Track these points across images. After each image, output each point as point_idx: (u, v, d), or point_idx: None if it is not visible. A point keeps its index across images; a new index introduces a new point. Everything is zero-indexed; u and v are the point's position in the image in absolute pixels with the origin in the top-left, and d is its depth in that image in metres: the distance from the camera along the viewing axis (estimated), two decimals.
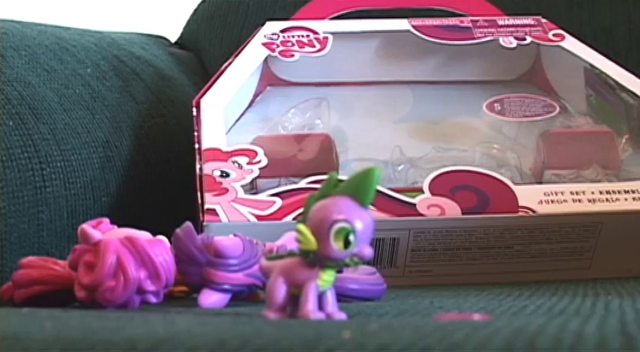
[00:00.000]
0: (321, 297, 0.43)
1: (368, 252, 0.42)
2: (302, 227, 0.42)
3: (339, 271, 0.55)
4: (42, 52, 0.78)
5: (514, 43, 0.84)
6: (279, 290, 0.43)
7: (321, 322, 0.40)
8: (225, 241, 0.54)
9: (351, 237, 0.41)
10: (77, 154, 0.73)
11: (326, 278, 0.43)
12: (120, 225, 0.54)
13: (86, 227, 0.52)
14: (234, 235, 0.56)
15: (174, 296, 0.58)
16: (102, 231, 0.53)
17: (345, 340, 0.31)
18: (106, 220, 0.54)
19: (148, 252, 0.51)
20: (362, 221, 0.42)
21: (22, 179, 0.67)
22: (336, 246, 0.42)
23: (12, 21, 0.81)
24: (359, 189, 0.42)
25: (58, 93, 0.75)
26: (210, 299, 0.54)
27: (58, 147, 0.71)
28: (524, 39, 0.84)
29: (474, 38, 0.84)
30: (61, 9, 1.33)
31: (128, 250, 0.51)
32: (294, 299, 0.43)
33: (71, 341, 0.34)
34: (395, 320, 0.43)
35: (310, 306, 0.42)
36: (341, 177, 0.43)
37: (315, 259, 0.42)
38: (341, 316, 0.43)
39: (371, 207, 0.43)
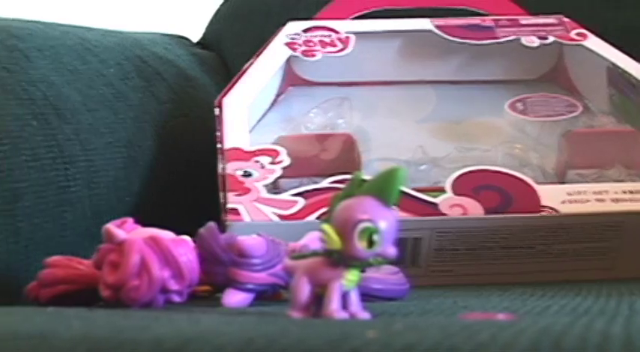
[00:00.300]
0: (345, 297, 0.43)
1: (392, 251, 0.42)
2: (327, 226, 0.42)
3: (363, 271, 0.56)
4: (65, 53, 0.78)
5: (536, 43, 0.84)
6: (304, 290, 0.43)
7: (345, 321, 0.40)
8: (249, 241, 0.54)
9: (376, 237, 0.41)
10: (101, 154, 0.73)
11: (350, 277, 0.43)
12: (144, 225, 0.55)
13: (111, 227, 0.53)
14: (258, 235, 0.56)
15: (197, 295, 0.59)
16: (126, 231, 0.53)
17: (371, 339, 0.31)
18: (130, 220, 0.54)
19: (171, 251, 0.52)
20: (386, 221, 0.42)
21: (46, 179, 0.67)
22: (360, 245, 0.42)
23: (36, 22, 0.81)
24: (383, 189, 0.42)
25: (81, 94, 0.75)
26: (234, 298, 0.54)
27: (82, 148, 0.72)
28: (547, 38, 0.84)
29: (496, 38, 0.84)
30: (84, 10, 1.33)
31: (152, 250, 0.52)
32: (319, 298, 0.43)
33: (98, 340, 0.34)
34: (420, 319, 0.43)
35: (334, 306, 0.42)
36: (365, 177, 0.43)
37: (340, 259, 0.43)
38: (365, 316, 0.43)
39: (394, 207, 0.43)
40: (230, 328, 0.35)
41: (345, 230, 0.42)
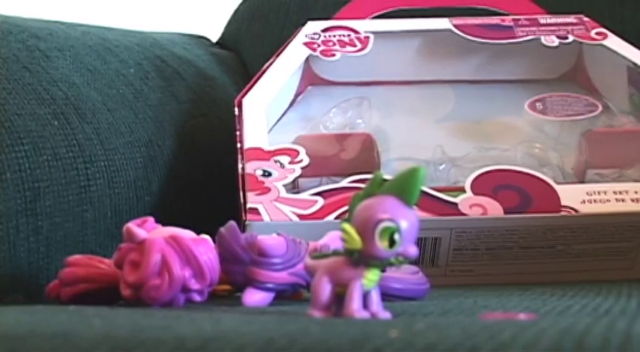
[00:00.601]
0: (365, 296, 0.43)
1: (413, 251, 0.42)
2: (347, 226, 0.42)
3: (383, 270, 0.55)
4: (86, 53, 0.79)
5: (556, 42, 0.83)
6: (325, 289, 0.43)
7: (367, 321, 0.40)
8: (269, 240, 0.55)
9: (396, 236, 0.42)
10: (121, 154, 0.74)
11: (371, 277, 0.43)
12: (164, 224, 0.55)
13: (131, 226, 0.53)
14: (278, 234, 0.56)
15: (217, 295, 0.59)
16: (147, 230, 0.53)
17: (393, 339, 0.31)
18: (151, 219, 0.55)
19: (192, 250, 0.52)
20: (407, 220, 0.42)
21: (66, 178, 0.68)
22: (381, 245, 0.42)
23: (56, 22, 0.82)
24: (404, 188, 0.42)
25: (101, 93, 0.76)
26: (254, 298, 0.54)
27: (102, 147, 0.72)
28: (567, 38, 0.84)
29: (515, 37, 0.84)
30: (103, 10, 1.34)
31: (173, 249, 0.52)
32: (339, 298, 0.43)
33: (120, 339, 0.34)
34: (440, 319, 0.43)
35: (355, 305, 0.42)
36: (386, 176, 0.43)
37: (360, 258, 0.43)
38: (386, 315, 0.43)
39: (414, 206, 0.43)
40: (251, 327, 0.35)
41: (365, 229, 0.42)
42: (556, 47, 0.83)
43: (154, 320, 0.39)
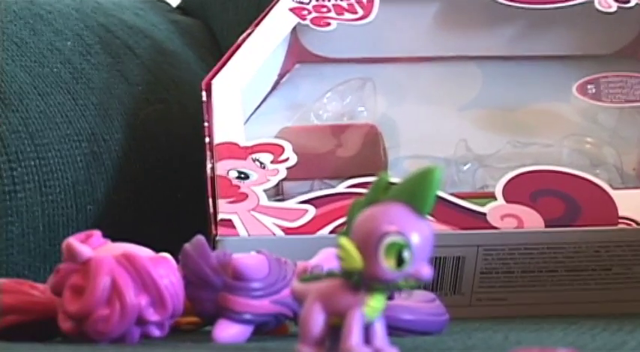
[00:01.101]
0: (367, 329, 0.44)
1: (426, 272, 0.42)
2: (344, 241, 0.43)
3: (390, 297, 0.56)
4: (9, 21, 0.79)
5: (614, 7, 0.84)
6: (316, 320, 0.44)
7: None
8: (247, 259, 0.55)
9: (406, 254, 0.42)
10: (56, 150, 0.74)
11: (374, 304, 0.44)
12: (114, 240, 0.55)
13: (73, 241, 0.53)
14: (258, 252, 0.57)
15: (181, 328, 0.59)
16: (92, 247, 0.53)
17: None
18: (98, 233, 0.55)
19: (150, 272, 0.52)
20: (419, 233, 0.42)
21: None
22: (386, 264, 0.42)
23: None
24: (415, 194, 0.43)
25: (30, 73, 0.76)
26: (228, 332, 0.54)
27: (32, 142, 0.72)
28: (628, 1, 0.84)
29: (561, 1, 0.84)
30: None
31: (126, 270, 0.52)
32: (335, 330, 0.44)
33: None
34: None
35: (355, 340, 0.43)
36: (392, 179, 0.44)
37: (361, 281, 0.43)
38: None
39: (429, 216, 0.43)
40: None
41: (367, 245, 0.42)
42: (614, 13, 0.84)
43: None
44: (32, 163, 0.71)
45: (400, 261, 0.42)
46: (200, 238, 0.56)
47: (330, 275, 0.45)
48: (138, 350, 0.47)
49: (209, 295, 0.55)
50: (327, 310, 0.44)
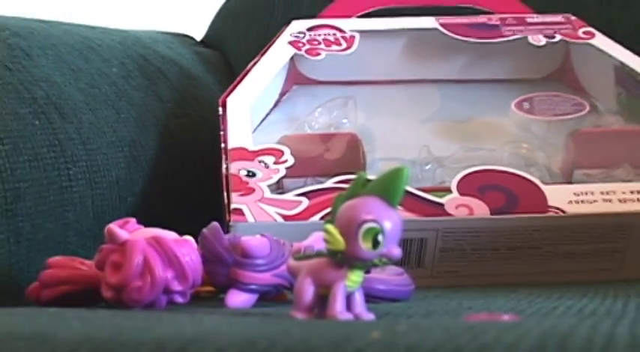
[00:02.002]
0: (349, 298, 0.44)
1: (396, 252, 0.42)
2: (330, 227, 0.42)
3: (367, 272, 0.56)
4: (67, 52, 0.79)
5: (543, 41, 0.84)
6: (307, 291, 0.43)
7: (349, 322, 0.41)
8: (252, 241, 0.55)
9: (380, 237, 0.42)
10: (103, 154, 0.73)
11: (354, 278, 0.43)
12: (146, 225, 0.55)
13: (113, 227, 0.53)
14: (262, 235, 0.56)
15: (200, 296, 0.59)
16: (129, 231, 0.53)
17: (374, 340, 0.31)
18: (133, 220, 0.54)
19: (174, 251, 0.52)
20: (391, 221, 0.42)
21: (48, 179, 0.67)
22: (364, 246, 0.42)
23: (38, 20, 0.81)
24: (388, 188, 0.42)
25: (83, 93, 0.76)
26: (237, 299, 0.54)
27: (84, 147, 0.72)
28: (554, 37, 0.84)
29: (502, 36, 0.84)
30: (86, 8, 1.33)
31: (155, 250, 0.52)
32: (322, 299, 0.43)
33: (100, 341, 0.34)
34: (423, 320, 0.43)
35: (338, 307, 0.43)
36: (369, 176, 0.43)
37: (344, 259, 0.43)
38: (369, 317, 0.43)
39: (399, 207, 0.43)
40: (232, 329, 0.35)
41: (348, 230, 0.42)
42: (543, 46, 0.84)
43: (135, 322, 0.39)
44: (84, 164, 0.71)
45: (375, 243, 0.42)
46: (215, 224, 0.56)
47: (318, 254, 0.45)
48: (164, 314, 0.45)
49: (222, 270, 0.55)
50: (316, 283, 0.44)
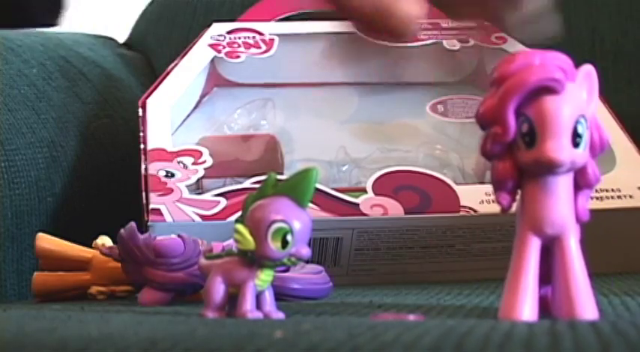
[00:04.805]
0: (259, 297, 0.43)
1: (305, 252, 0.42)
2: (240, 226, 0.42)
3: (286, 270, 0.55)
4: None
5: (457, 45, 0.84)
6: (217, 290, 0.43)
7: (256, 321, 0.40)
8: (165, 241, 0.54)
9: (289, 237, 0.41)
10: (22, 154, 0.72)
11: (264, 277, 0.43)
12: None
13: None
14: (178, 235, 0.55)
15: (117, 295, 0.58)
16: None
17: (277, 339, 0.30)
18: None
19: None
20: (300, 221, 0.42)
21: None
22: (273, 245, 0.41)
23: None
24: (297, 189, 0.42)
25: (2, 94, 0.74)
26: (150, 297, 0.54)
27: (2, 147, 0.70)
28: (468, 41, 0.84)
29: (418, 40, 0.84)
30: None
31: None
32: (233, 298, 0.43)
33: (2, 342, 0.33)
34: (330, 319, 0.43)
35: (248, 306, 0.42)
36: (280, 177, 0.43)
37: (253, 259, 0.42)
38: (279, 315, 0.43)
39: (315, 206, 0.43)
40: (138, 329, 0.35)
41: (258, 230, 0.41)
42: (458, 50, 0.84)
43: (41, 323, 0.38)
44: (3, 165, 0.70)
45: (285, 243, 0.41)
46: (132, 224, 0.55)
47: (229, 253, 0.44)
48: (75, 314, 0.44)
49: (137, 269, 0.54)
50: (226, 282, 0.43)
